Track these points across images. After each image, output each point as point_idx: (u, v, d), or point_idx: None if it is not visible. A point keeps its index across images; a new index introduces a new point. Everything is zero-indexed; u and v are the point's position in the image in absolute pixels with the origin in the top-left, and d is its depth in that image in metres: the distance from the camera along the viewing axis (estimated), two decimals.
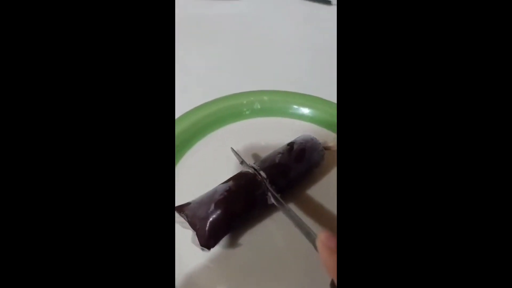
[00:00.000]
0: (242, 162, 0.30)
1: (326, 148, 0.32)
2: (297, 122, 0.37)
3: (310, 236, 0.23)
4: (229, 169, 0.31)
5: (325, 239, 0.22)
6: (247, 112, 0.37)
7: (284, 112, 0.38)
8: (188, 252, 0.26)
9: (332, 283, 0.20)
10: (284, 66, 0.45)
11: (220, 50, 0.47)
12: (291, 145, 0.30)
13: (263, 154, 0.31)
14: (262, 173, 0.27)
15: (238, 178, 0.27)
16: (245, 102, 0.38)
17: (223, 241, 0.27)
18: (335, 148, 0.33)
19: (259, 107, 0.38)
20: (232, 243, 0.27)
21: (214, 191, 0.27)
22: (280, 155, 0.29)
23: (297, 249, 0.26)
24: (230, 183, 0.27)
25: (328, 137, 0.34)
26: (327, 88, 0.40)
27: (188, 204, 0.26)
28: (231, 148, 0.32)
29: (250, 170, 0.28)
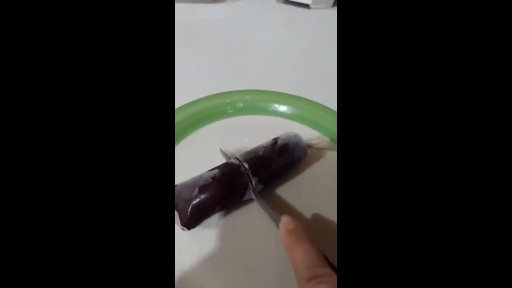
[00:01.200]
0: (229, 158, 0.31)
1: (309, 146, 0.34)
2: (278, 119, 0.39)
3: (278, 223, 0.26)
4: (213, 163, 0.33)
5: (285, 222, 0.25)
6: (230, 111, 0.39)
7: (265, 111, 0.40)
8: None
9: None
10: (266, 67, 0.47)
11: (204, 52, 0.49)
12: (275, 140, 0.32)
13: (246, 149, 0.33)
14: (245, 164, 0.29)
15: (223, 167, 0.29)
16: (228, 101, 0.39)
17: (202, 225, 0.29)
18: (319, 146, 0.35)
19: (241, 106, 0.40)
20: (211, 226, 0.29)
21: (200, 177, 0.28)
22: (263, 149, 0.31)
23: (268, 234, 0.29)
24: (216, 170, 0.29)
25: (313, 135, 0.36)
26: (306, 87, 0.42)
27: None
28: (220, 149, 0.34)
29: (235, 162, 0.30)
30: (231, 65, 0.47)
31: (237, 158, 0.30)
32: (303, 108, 0.39)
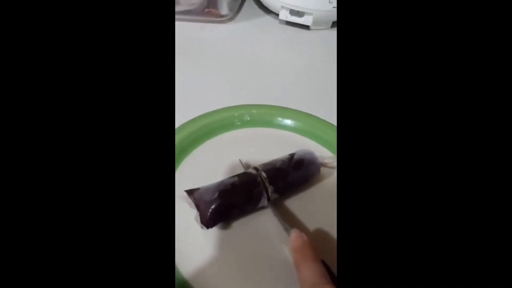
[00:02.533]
0: (248, 167, 0.35)
1: (323, 164, 0.38)
2: (281, 132, 0.43)
3: (288, 231, 0.30)
4: (223, 172, 0.37)
5: (293, 239, 0.28)
6: (238, 123, 0.43)
7: (270, 123, 0.44)
8: (189, 229, 0.33)
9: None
10: (268, 84, 0.51)
11: (210, 69, 0.53)
12: (292, 155, 0.36)
13: (253, 159, 0.37)
14: (263, 173, 0.33)
15: (242, 176, 0.34)
16: (236, 114, 0.43)
17: (220, 225, 0.33)
18: (331, 165, 0.39)
19: (248, 118, 0.43)
20: (227, 227, 0.33)
21: (221, 182, 0.33)
22: (281, 162, 0.35)
23: (278, 240, 0.32)
24: (235, 178, 0.33)
25: (326, 154, 0.40)
26: (306, 101, 0.46)
27: (197, 189, 0.32)
28: (239, 159, 0.38)
29: (253, 171, 0.34)
30: (236, 81, 0.51)
31: (255, 168, 0.34)
32: (304, 121, 0.43)
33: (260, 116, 0.44)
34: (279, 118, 0.44)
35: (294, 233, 0.29)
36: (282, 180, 0.34)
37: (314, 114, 0.44)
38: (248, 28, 0.62)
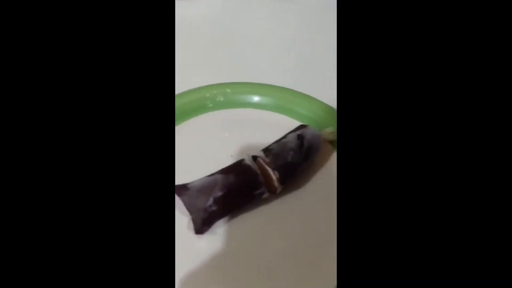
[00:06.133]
0: (255, 157, 0.30)
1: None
2: (261, 112, 0.38)
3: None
4: (194, 160, 0.32)
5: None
6: (210, 105, 0.38)
7: (247, 103, 0.38)
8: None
9: None
10: (250, 59, 0.46)
11: (185, 48, 0.47)
12: (301, 139, 0.31)
13: (230, 146, 0.33)
14: (276, 173, 0.29)
15: (239, 174, 0.28)
16: (208, 95, 0.38)
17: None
18: (328, 138, 0.34)
19: (222, 99, 0.38)
20: (223, 228, 0.29)
21: (214, 182, 0.28)
22: (292, 153, 0.29)
23: (279, 234, 0.29)
24: (232, 178, 0.28)
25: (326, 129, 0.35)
26: (292, 78, 0.41)
27: (186, 188, 0.28)
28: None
29: (251, 164, 0.29)
30: (211, 58, 0.46)
31: (254, 157, 0.30)
32: (286, 98, 0.38)
33: (235, 95, 0.38)
34: (257, 97, 0.38)
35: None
36: (292, 176, 0.30)
37: (301, 90, 0.38)
38: (223, 2, 0.56)
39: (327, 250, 0.27)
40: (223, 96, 0.38)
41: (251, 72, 0.42)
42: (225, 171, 0.29)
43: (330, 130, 0.34)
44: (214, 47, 0.48)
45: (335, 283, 0.25)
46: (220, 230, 0.28)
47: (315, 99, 0.37)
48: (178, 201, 0.27)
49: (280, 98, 0.38)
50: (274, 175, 0.29)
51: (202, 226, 0.27)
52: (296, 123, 0.35)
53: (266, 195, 0.29)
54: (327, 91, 0.36)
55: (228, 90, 0.38)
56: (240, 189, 0.28)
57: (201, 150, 0.34)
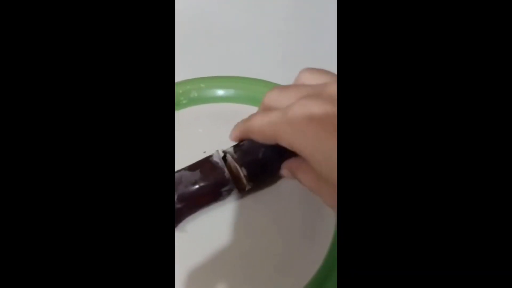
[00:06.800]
0: (225, 154, 0.28)
1: None
2: (237, 106, 0.36)
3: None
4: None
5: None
6: (184, 101, 0.36)
7: (222, 98, 0.37)
8: None
9: None
10: (236, 54, 0.44)
11: None
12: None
13: (204, 142, 0.32)
14: (243, 170, 0.27)
15: (206, 170, 0.27)
16: (181, 91, 0.37)
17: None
18: None
19: (196, 95, 0.37)
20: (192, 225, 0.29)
21: (179, 179, 0.27)
22: (263, 150, 0.27)
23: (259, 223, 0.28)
24: (197, 175, 0.27)
25: None
26: (279, 72, 0.39)
27: None
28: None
29: (219, 161, 0.27)
30: (185, 53, 0.44)
31: (224, 152, 0.28)
32: (263, 91, 0.36)
33: (210, 90, 0.37)
34: (233, 90, 0.37)
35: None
36: (263, 173, 0.29)
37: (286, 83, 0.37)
38: None
39: (300, 248, 0.27)
40: (197, 92, 0.37)
41: (237, 67, 0.41)
42: (191, 167, 0.27)
43: None
44: (198, 41, 0.46)
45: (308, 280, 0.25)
46: (189, 227, 0.28)
47: None
48: None
49: (257, 91, 0.36)
50: (241, 172, 0.27)
51: None
52: None
53: (234, 192, 0.28)
54: None
55: (202, 85, 0.37)
56: (206, 186, 0.27)
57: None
